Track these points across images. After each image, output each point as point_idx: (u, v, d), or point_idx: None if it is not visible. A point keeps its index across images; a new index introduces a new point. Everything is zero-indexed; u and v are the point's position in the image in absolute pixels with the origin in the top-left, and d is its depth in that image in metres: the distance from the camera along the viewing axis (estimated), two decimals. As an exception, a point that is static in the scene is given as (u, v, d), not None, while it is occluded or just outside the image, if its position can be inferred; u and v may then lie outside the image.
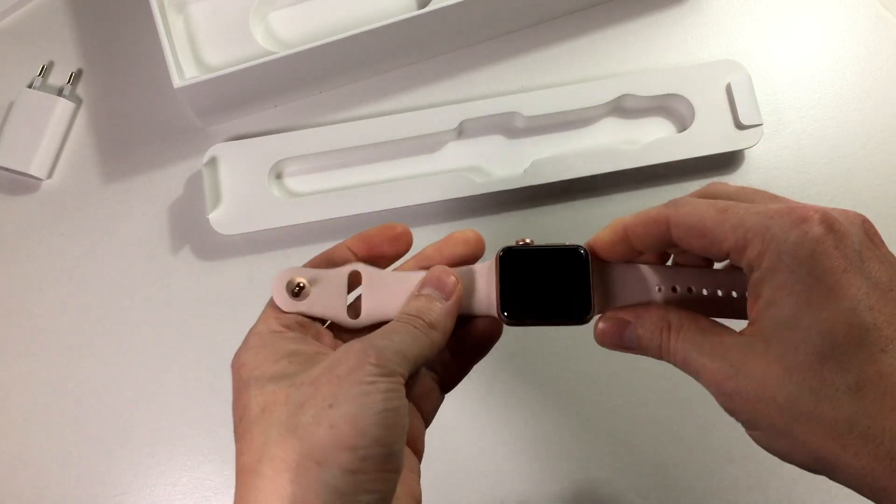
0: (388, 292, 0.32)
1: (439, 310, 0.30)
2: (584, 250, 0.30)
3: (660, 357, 0.29)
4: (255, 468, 0.26)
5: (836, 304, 0.24)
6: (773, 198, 0.28)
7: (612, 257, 0.30)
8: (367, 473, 0.25)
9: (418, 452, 0.31)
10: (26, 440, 0.49)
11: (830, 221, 0.25)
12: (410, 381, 0.30)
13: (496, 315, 0.31)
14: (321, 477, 0.25)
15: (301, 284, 0.31)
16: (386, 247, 0.33)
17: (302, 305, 0.31)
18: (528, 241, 0.31)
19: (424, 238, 0.52)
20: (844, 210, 0.26)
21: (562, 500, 0.48)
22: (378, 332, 0.29)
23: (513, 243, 0.31)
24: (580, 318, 0.30)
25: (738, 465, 0.48)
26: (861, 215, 0.26)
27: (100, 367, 0.50)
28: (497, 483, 0.48)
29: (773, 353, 0.25)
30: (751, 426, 0.26)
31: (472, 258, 0.33)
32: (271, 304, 0.31)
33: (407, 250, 0.33)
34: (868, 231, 0.26)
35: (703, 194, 0.29)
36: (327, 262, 0.32)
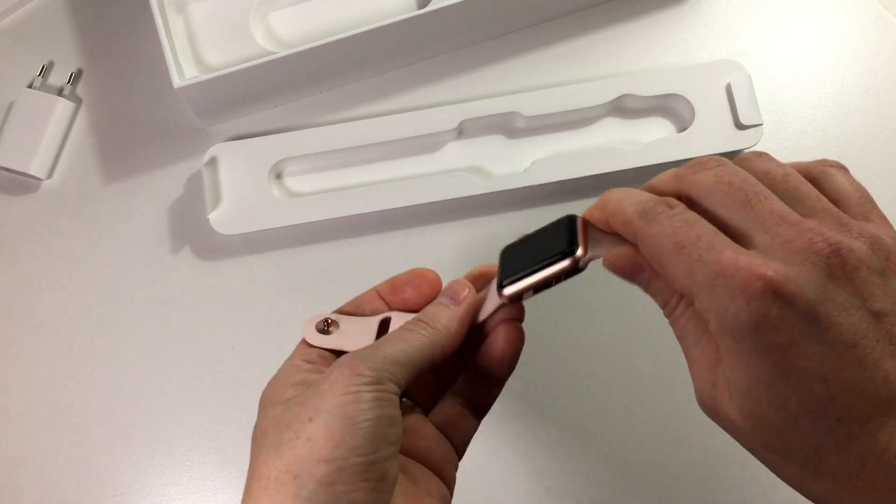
0: None
1: (447, 314, 0.30)
2: (575, 216, 0.29)
3: (662, 307, 0.27)
4: (248, 488, 0.26)
5: (785, 381, 0.23)
6: (781, 219, 0.24)
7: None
8: (344, 484, 0.25)
9: (447, 480, 0.30)
10: (26, 440, 0.49)
11: (776, 287, 0.22)
12: (436, 408, 0.31)
13: (498, 297, 0.30)
14: (296, 490, 0.25)
15: (329, 321, 0.32)
16: (411, 292, 0.32)
17: (329, 340, 0.31)
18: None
19: (425, 238, 0.52)
20: (811, 244, 0.23)
21: (561, 500, 0.48)
22: (370, 344, 0.29)
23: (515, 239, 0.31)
24: (569, 253, 0.28)
25: (738, 465, 0.48)
26: (830, 251, 0.23)
27: (100, 367, 0.50)
28: (495, 485, 0.48)
29: (741, 408, 0.24)
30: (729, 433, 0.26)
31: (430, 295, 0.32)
32: (300, 343, 0.32)
33: (434, 296, 0.32)
34: (835, 273, 0.23)
35: (742, 163, 0.27)
36: (355, 307, 0.33)
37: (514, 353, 0.32)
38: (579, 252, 0.28)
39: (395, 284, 0.33)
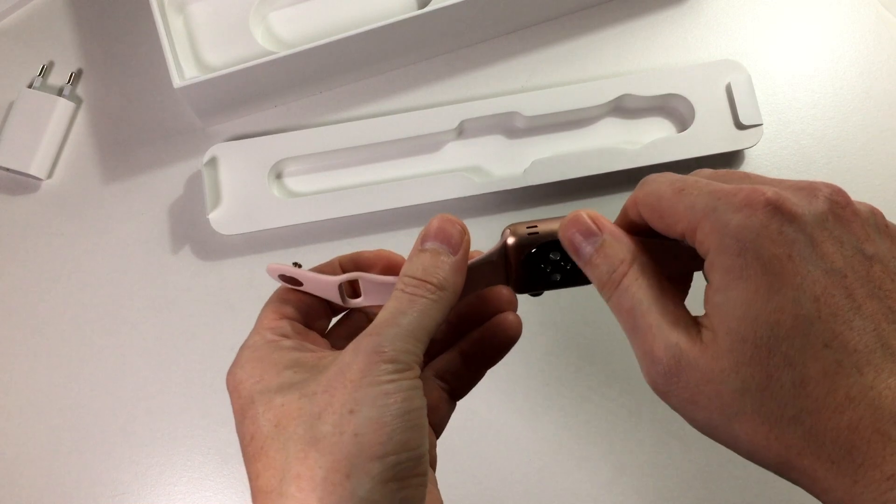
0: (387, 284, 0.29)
1: (447, 266, 0.27)
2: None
3: (600, 283, 0.26)
4: (279, 489, 0.23)
5: (780, 294, 0.22)
6: (744, 177, 0.26)
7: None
8: (398, 481, 0.23)
9: (432, 461, 0.30)
10: (26, 440, 0.49)
11: (778, 203, 0.23)
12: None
13: (505, 282, 0.30)
14: (352, 490, 0.23)
15: (291, 282, 0.30)
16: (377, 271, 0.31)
17: (300, 272, 0.29)
18: (533, 224, 0.29)
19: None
20: (813, 185, 0.24)
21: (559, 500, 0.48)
22: (383, 318, 0.26)
23: (519, 224, 0.30)
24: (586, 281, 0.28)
25: (738, 464, 0.48)
26: (831, 191, 0.24)
27: (100, 367, 0.50)
28: (496, 482, 0.48)
29: (722, 345, 0.23)
30: (684, 415, 0.25)
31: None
32: (264, 314, 0.29)
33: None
34: (836, 209, 0.24)
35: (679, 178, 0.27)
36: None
37: (512, 340, 0.31)
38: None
39: (358, 262, 0.31)
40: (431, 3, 0.51)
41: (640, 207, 0.26)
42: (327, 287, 0.29)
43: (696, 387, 0.24)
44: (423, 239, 0.28)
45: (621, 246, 0.26)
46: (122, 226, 0.52)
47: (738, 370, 0.23)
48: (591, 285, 0.28)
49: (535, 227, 0.29)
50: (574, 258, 0.27)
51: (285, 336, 0.28)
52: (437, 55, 0.55)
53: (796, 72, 0.55)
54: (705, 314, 0.24)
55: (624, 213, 0.28)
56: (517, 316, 0.31)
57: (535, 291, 0.30)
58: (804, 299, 0.22)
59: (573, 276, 0.29)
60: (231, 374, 0.27)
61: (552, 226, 0.28)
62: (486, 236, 0.52)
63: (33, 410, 0.49)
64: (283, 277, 0.30)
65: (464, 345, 0.32)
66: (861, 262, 0.23)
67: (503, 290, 0.31)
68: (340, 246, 0.52)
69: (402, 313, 0.26)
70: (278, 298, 0.29)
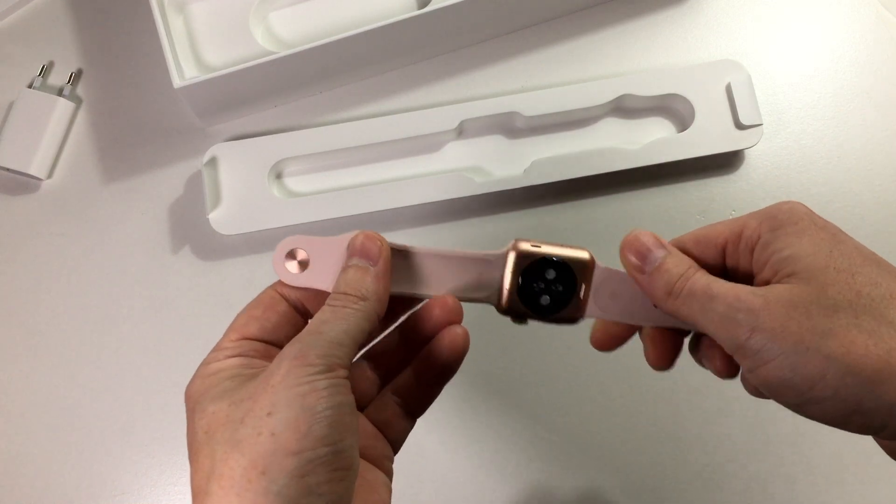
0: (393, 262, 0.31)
1: (369, 278, 0.29)
2: (590, 255, 0.32)
3: (669, 286, 0.29)
4: (206, 488, 0.25)
5: (843, 244, 0.27)
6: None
7: None
8: (314, 476, 0.25)
9: (387, 472, 0.31)
10: (26, 440, 0.49)
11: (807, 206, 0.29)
12: (372, 405, 0.32)
13: (499, 305, 0.32)
14: (266, 486, 0.24)
15: (300, 257, 0.31)
16: None
17: (303, 278, 0.31)
18: (538, 243, 0.32)
19: (425, 238, 0.52)
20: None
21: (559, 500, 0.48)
22: (308, 329, 0.28)
23: (525, 240, 0.32)
24: (573, 320, 0.32)
25: (738, 464, 0.48)
26: None
27: (100, 367, 0.50)
28: (483, 490, 0.48)
29: (803, 278, 0.26)
30: (768, 355, 0.26)
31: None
32: (226, 334, 0.30)
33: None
34: None
35: None
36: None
37: (460, 356, 0.32)
38: (581, 318, 0.32)
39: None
40: (431, 3, 0.51)
41: (690, 245, 0.31)
42: (340, 248, 0.31)
43: (785, 312, 0.26)
44: (349, 256, 0.30)
45: (685, 258, 0.30)
46: (122, 226, 0.52)
47: (825, 291, 0.26)
48: (568, 326, 0.32)
49: (540, 245, 0.32)
50: (639, 265, 0.30)
51: (239, 355, 0.29)
52: (437, 55, 0.55)
53: (796, 72, 0.55)
54: (774, 273, 0.28)
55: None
56: (463, 328, 0.32)
57: (521, 318, 0.32)
58: (861, 246, 0.27)
59: (561, 301, 0.32)
60: (186, 388, 0.29)
61: (556, 249, 0.32)
62: (486, 236, 0.52)
63: (33, 410, 0.49)
64: (290, 255, 0.31)
65: (416, 362, 0.33)
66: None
67: (448, 300, 0.32)
68: (340, 246, 0.52)
69: (324, 322, 0.28)
70: (246, 317, 0.31)
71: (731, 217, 0.32)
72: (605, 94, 0.52)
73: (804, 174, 0.53)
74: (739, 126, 0.51)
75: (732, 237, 0.29)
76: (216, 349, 0.30)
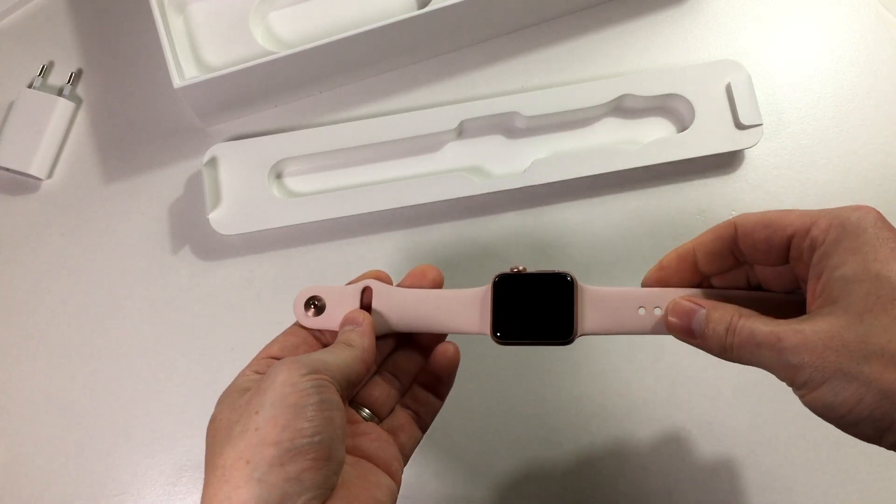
0: (395, 304, 0.35)
1: (355, 334, 0.34)
2: (571, 277, 0.34)
3: (721, 343, 0.31)
4: (206, 481, 0.30)
5: None
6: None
7: (677, 281, 0.34)
8: (293, 464, 0.28)
9: (394, 477, 0.34)
10: (26, 440, 0.49)
11: (879, 213, 0.30)
12: (389, 416, 0.36)
13: (488, 334, 0.34)
14: (249, 473, 0.28)
15: (317, 301, 0.35)
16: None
17: (319, 321, 0.35)
18: (521, 267, 0.34)
19: (425, 238, 0.52)
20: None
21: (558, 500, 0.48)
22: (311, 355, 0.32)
23: (507, 270, 0.34)
24: (564, 338, 0.33)
25: (740, 468, 0.48)
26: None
27: (100, 367, 0.50)
28: (487, 481, 0.48)
29: (843, 306, 0.28)
30: (814, 384, 0.28)
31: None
32: (255, 358, 0.34)
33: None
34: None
35: None
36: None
37: (451, 369, 0.37)
38: (572, 338, 0.34)
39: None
40: (431, 3, 0.51)
41: (740, 227, 0.32)
42: (351, 295, 0.36)
43: (823, 343, 0.27)
44: (342, 325, 0.35)
45: (724, 309, 0.31)
46: (122, 226, 0.52)
47: (862, 318, 0.27)
48: (555, 346, 0.34)
49: (519, 268, 0.34)
50: (688, 340, 0.32)
51: (258, 371, 0.33)
52: (437, 55, 0.55)
53: (796, 72, 0.55)
54: (819, 299, 0.29)
55: (683, 257, 0.34)
56: (453, 343, 0.38)
57: (508, 340, 0.34)
58: None
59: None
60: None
61: (535, 271, 0.34)
62: (486, 236, 0.52)
63: (33, 410, 0.49)
64: (307, 303, 0.36)
65: (419, 374, 0.38)
66: None
67: (448, 347, 0.38)
68: (340, 246, 0.52)
69: (318, 351, 0.33)
70: (272, 342, 0.36)
71: (731, 216, 0.33)
72: (605, 94, 0.52)
73: (804, 174, 0.53)
74: (739, 126, 0.51)
75: (801, 231, 0.30)
76: (242, 372, 0.34)
